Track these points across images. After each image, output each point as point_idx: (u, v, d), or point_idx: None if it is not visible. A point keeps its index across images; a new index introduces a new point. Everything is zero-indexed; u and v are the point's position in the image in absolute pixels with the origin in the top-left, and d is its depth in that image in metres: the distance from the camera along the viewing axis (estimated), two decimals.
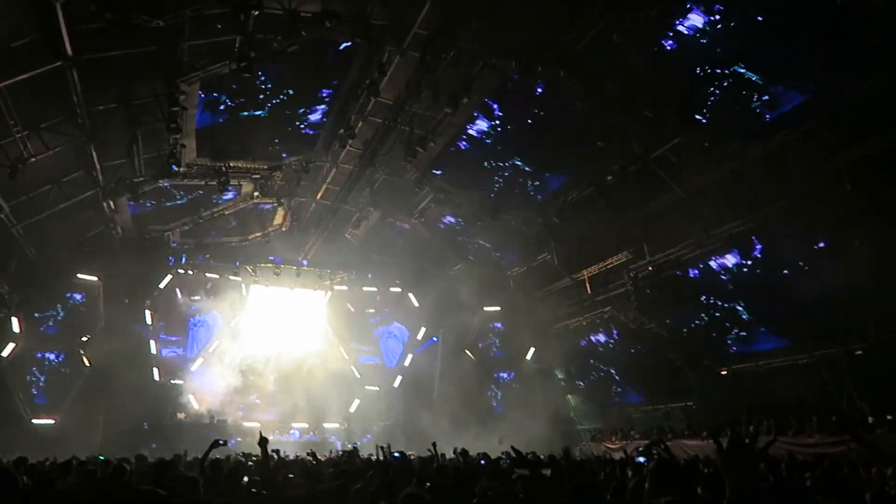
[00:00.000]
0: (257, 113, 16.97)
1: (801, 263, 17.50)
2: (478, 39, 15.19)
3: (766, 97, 14.80)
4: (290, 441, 25.37)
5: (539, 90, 17.51)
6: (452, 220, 25.53)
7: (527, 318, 28.74)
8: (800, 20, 13.07)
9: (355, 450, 10.37)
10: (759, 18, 13.44)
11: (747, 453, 3.43)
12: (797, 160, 15.73)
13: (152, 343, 25.80)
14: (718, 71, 14.94)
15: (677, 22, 14.19)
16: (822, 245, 16.90)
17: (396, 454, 10.28)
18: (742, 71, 14.62)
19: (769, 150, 15.99)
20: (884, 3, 11.63)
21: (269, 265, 27.10)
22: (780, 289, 18.46)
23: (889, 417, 14.97)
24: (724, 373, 21.66)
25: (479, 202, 22.83)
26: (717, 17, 13.75)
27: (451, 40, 14.83)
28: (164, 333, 26.87)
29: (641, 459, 14.56)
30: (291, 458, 14.18)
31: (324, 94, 17.67)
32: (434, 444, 12.39)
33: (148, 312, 25.72)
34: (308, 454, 11.85)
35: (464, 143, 20.15)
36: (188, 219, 22.55)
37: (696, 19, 14.10)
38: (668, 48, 15.07)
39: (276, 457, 12.68)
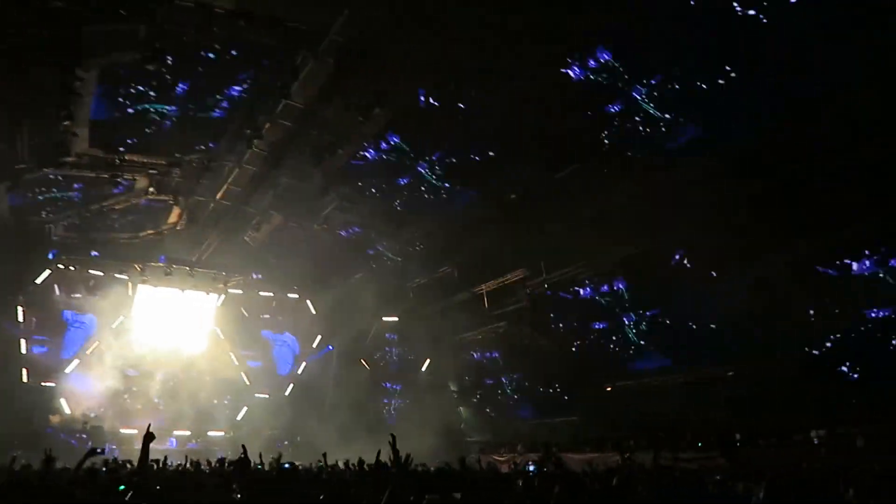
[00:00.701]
0: (159, 107, 16.21)
1: (685, 289, 18.77)
2: (395, 52, 15.33)
3: (664, 129, 15.81)
4: (168, 449, 24.14)
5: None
6: (357, 229, 25.42)
7: (424, 329, 28.96)
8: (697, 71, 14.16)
9: (245, 458, 9.97)
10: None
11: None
12: (690, 192, 16.91)
13: (23, 342, 23.89)
14: (619, 103, 15.86)
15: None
16: (707, 274, 18.18)
17: (286, 465, 10.08)
18: (643, 104, 15.61)
19: (664, 181, 17.10)
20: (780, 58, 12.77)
21: (160, 265, 25.78)
22: (665, 312, 19.72)
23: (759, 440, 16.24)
24: (608, 389, 22.78)
25: (385, 213, 22.90)
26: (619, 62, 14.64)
27: (367, 50, 14.87)
28: (37, 332, 24.91)
29: (531, 468, 15.07)
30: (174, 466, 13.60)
31: (232, 93, 17.15)
32: (324, 455, 12.29)
33: (20, 309, 23.81)
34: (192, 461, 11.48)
35: (373, 152, 20.15)
36: (73, 212, 21.10)
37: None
38: (574, 76, 15.81)
39: (155, 466, 12.17)
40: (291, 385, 30.06)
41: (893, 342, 14.75)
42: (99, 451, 7.74)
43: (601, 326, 21.92)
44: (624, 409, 22.32)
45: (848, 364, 15.51)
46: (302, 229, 24.92)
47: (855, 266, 14.93)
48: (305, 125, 17.88)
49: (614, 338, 21.93)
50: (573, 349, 23.33)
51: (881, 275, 14.53)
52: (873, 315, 15.04)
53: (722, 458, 15.66)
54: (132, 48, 12.44)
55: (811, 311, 15.95)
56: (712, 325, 18.49)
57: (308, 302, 30.36)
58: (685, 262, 18.25)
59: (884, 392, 14.28)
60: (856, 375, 15.43)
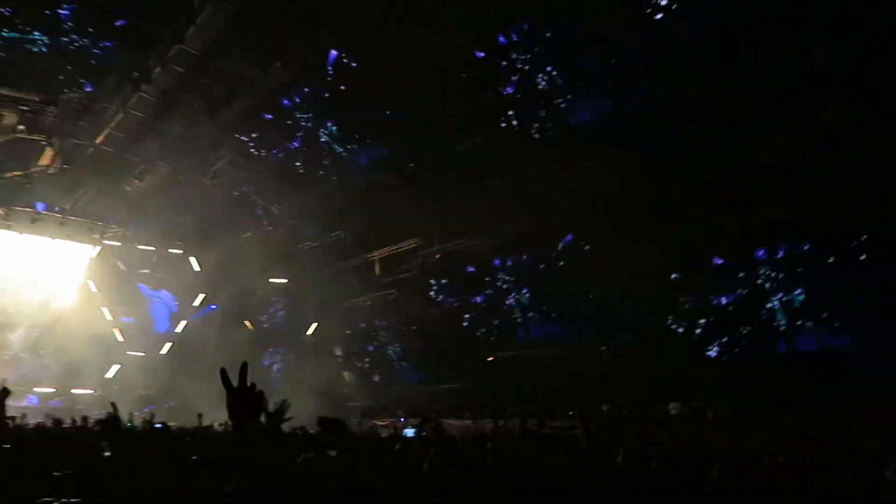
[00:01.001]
0: (35, 36, 14.78)
1: (573, 265, 19.69)
2: (302, 5, 14.87)
3: (563, 109, 16.38)
4: (27, 406, 22.65)
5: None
6: (250, 185, 24.60)
7: (314, 293, 28.64)
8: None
9: (114, 416, 9.53)
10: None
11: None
12: (581, 174, 17.66)
13: None
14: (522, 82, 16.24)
15: None
16: (590, 249, 19.19)
17: (158, 426, 9.75)
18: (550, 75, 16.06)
19: (557, 159, 17.74)
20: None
21: (27, 210, 23.72)
22: (553, 287, 20.60)
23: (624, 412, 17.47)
24: (490, 360, 23.62)
25: (280, 172, 22.30)
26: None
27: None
28: None
29: (409, 432, 15.45)
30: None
31: (118, 25, 15.93)
32: (200, 416, 12.02)
33: None
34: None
35: (271, 107, 19.55)
36: None
37: None
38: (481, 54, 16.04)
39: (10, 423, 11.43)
40: (169, 344, 28.87)
41: (746, 327, 16.39)
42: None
43: (488, 298, 22.56)
44: (504, 379, 23.31)
45: (710, 343, 17.02)
46: (190, 182, 23.80)
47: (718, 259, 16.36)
48: (200, 74, 17.00)
49: (500, 310, 22.71)
50: (460, 319, 23.91)
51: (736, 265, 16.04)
52: (730, 300, 16.54)
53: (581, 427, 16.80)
54: None
55: (680, 294, 17.25)
56: (592, 303, 19.59)
57: (192, 258, 29.10)
58: (573, 241, 19.15)
59: (741, 369, 15.87)
60: (714, 353, 16.95)
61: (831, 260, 14.65)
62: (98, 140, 20.90)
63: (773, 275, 15.74)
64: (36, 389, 25.32)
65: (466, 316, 23.77)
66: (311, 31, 15.27)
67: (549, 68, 16.14)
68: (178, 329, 29.40)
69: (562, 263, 19.83)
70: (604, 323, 19.51)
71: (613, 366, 18.97)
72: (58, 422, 12.98)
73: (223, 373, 2.48)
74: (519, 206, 19.92)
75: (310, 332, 29.96)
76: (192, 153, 21.68)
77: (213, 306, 29.57)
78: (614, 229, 17.48)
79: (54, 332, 25.72)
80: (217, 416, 16.51)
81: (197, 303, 29.68)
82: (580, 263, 19.24)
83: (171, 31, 15.14)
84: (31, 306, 25.39)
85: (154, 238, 28.02)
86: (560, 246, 19.54)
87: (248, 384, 2.54)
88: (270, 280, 29.24)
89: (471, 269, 22.68)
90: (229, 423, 2.57)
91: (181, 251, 28.79)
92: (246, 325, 29.48)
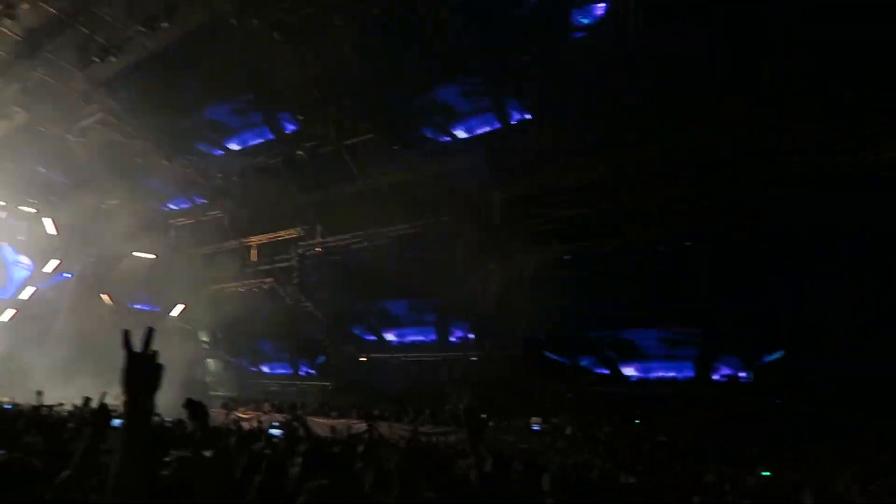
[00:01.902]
0: None
1: (447, 274, 19.61)
2: None
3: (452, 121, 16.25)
4: None
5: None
6: (121, 150, 22.63)
7: (183, 272, 26.95)
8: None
9: None
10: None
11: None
12: (462, 184, 17.69)
13: None
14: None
15: None
16: (461, 260, 19.17)
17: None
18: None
19: (441, 170, 17.64)
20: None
21: None
22: (425, 292, 20.42)
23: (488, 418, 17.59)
24: (363, 359, 23.18)
25: (157, 139, 20.70)
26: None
27: None
28: None
29: (275, 432, 14.69)
30: None
31: None
32: (39, 393, 10.98)
33: None
34: None
35: (152, 71, 18.05)
36: None
37: None
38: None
39: None
40: (12, 311, 26.09)
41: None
42: None
43: (366, 298, 22.06)
44: (375, 381, 22.96)
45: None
46: (52, 136, 21.59)
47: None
48: (75, 18, 15.39)
49: (377, 310, 22.29)
50: (335, 315, 23.26)
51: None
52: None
53: (460, 432, 16.79)
54: None
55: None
56: (466, 310, 19.67)
57: (47, 220, 26.49)
58: (451, 248, 19.07)
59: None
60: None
61: None
62: None
63: None
64: None
65: (340, 311, 23.11)
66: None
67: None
68: (24, 296, 26.66)
69: (440, 270, 19.70)
70: (469, 332, 19.75)
71: (482, 373, 19.14)
72: None
73: (125, 334, 2.06)
74: (407, 207, 19.68)
75: (174, 313, 28.20)
76: (57, 103, 19.66)
77: (69, 275, 27.06)
78: (489, 241, 17.68)
79: None
80: (60, 392, 15.00)
81: (49, 269, 27.04)
82: (453, 274, 19.22)
83: None
84: None
85: (4, 192, 25.22)
86: (439, 254, 19.39)
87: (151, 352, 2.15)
88: (135, 254, 27.21)
89: (352, 265, 22.05)
90: (121, 395, 2.09)
91: (34, 210, 26.13)
92: (103, 299, 27.23)
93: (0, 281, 26.61)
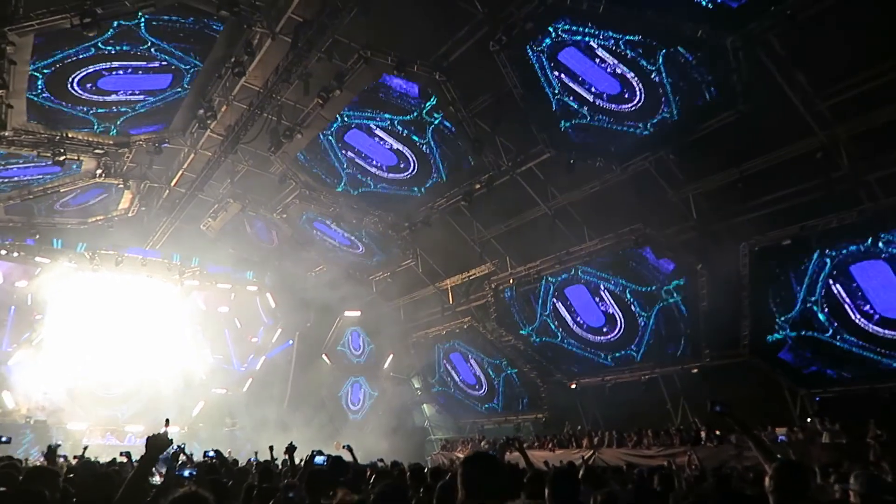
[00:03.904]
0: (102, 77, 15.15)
1: (650, 284, 18.53)
2: (355, 32, 14.69)
3: (628, 125, 15.45)
4: (129, 446, 23.11)
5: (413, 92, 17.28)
6: (319, 222, 24.67)
7: (387, 324, 28.39)
8: (656, 54, 13.77)
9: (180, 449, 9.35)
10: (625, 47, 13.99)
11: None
12: (652, 186, 16.72)
13: None
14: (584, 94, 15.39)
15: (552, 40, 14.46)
16: (669, 268, 18.00)
17: (211, 453, 9.51)
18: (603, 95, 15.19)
19: (626, 175, 16.81)
20: (742, 44, 12.44)
21: (111, 253, 24.63)
22: (629, 308, 19.43)
23: (717, 433, 16.05)
24: (573, 386, 22.49)
25: (346, 203, 22.19)
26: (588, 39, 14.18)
27: (326, 29, 14.18)
28: None
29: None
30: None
31: (186, 67, 16.17)
32: (271, 448, 11.70)
33: None
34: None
35: (332, 138, 19.47)
36: (16, 194, 19.88)
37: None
38: (540, 69, 15.34)
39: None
40: (250, 381, 29.12)
41: None
42: (4, 440, 6.99)
43: (566, 321, 21.48)
44: (590, 406, 22.15)
45: None
46: (259, 218, 24.06)
47: None
48: (262, 108, 17.08)
49: (576, 332, 21.58)
50: (537, 345, 22.90)
51: None
52: None
53: (685, 454, 15.55)
54: (71, 12, 11.51)
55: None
56: (677, 321, 18.38)
57: (268, 295, 29.46)
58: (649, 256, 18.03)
59: None
60: None
61: None
62: (173, 183, 21.45)
63: None
64: (128, 428, 25.91)
65: (541, 341, 22.69)
66: (362, 56, 15.06)
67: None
68: (258, 366, 29.66)
69: (639, 283, 18.68)
70: (684, 344, 18.36)
71: (700, 388, 17.62)
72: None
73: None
74: (590, 226, 19.04)
75: (386, 365, 29.67)
76: (261, 189, 21.94)
77: (290, 342, 29.70)
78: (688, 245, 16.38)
79: (140, 372, 26.35)
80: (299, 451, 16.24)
81: (274, 339, 29.93)
82: (658, 283, 18.10)
83: (232, 65, 15.23)
84: (118, 346, 26.05)
85: (230, 276, 28.54)
86: (635, 265, 18.41)
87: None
88: (345, 313, 29.20)
89: (547, 293, 21.67)
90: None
91: (256, 287, 29.19)
92: (323, 359, 29.44)
93: (245, 356, 29.91)
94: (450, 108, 16.87)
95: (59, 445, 11.63)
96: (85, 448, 12.51)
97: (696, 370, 18.39)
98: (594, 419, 22.11)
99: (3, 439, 7.00)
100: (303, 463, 6.81)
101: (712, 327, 17.30)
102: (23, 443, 22.09)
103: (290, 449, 7.35)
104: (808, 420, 15.47)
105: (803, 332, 15.53)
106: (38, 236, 23.00)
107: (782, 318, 15.84)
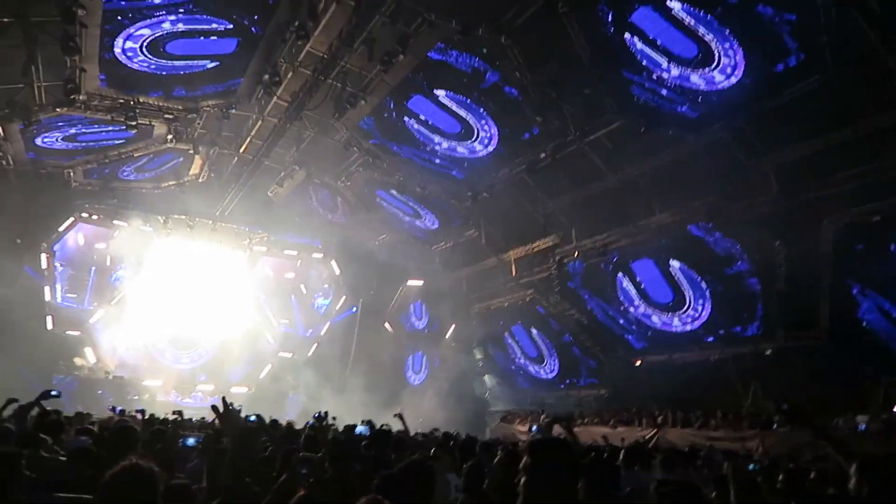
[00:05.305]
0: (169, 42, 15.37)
1: (722, 260, 17.63)
2: None
3: (703, 90, 14.54)
4: (191, 406, 24.04)
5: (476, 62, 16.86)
6: (382, 190, 24.66)
7: (449, 294, 28.32)
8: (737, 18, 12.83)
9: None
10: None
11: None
12: (727, 157, 15.77)
13: (47, 290, 23.82)
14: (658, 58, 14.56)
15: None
16: (742, 244, 17.06)
17: (252, 418, 9.49)
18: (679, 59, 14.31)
19: (701, 145, 15.92)
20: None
21: (183, 217, 25.39)
22: (699, 285, 18.60)
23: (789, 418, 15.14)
24: (637, 363, 21.86)
25: (409, 171, 22.04)
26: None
27: None
28: (62, 281, 24.85)
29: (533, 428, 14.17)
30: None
31: (250, 28, 16.19)
32: (319, 415, 11.68)
33: (44, 256, 23.69)
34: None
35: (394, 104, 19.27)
36: (92, 157, 20.67)
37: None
38: (611, 32, 14.62)
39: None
40: (315, 346, 29.71)
41: None
42: (55, 393, 7.17)
43: (633, 298, 20.81)
44: (654, 384, 21.46)
45: None
46: (325, 185, 24.21)
47: None
48: (327, 74, 17.00)
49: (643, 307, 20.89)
50: (602, 320, 22.34)
51: None
52: None
53: (755, 438, 14.82)
54: None
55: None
56: (750, 299, 17.42)
57: (333, 262, 29.83)
58: (722, 230, 17.09)
59: None
60: None
61: None
62: (242, 150, 21.76)
63: None
64: (198, 388, 26.91)
65: (606, 316, 22.09)
66: (427, 19, 14.68)
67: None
68: (323, 332, 30.20)
69: (709, 260, 17.75)
70: (757, 324, 17.33)
71: (773, 370, 16.65)
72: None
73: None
74: (660, 198, 18.22)
75: (448, 335, 29.66)
76: (326, 156, 22.01)
77: (354, 309, 30.08)
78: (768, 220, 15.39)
79: (211, 334, 27.27)
80: (358, 416, 16.38)
81: (338, 306, 30.37)
82: (730, 259, 17.18)
83: (296, 29, 15.14)
84: (190, 309, 26.97)
85: (296, 243, 29.01)
86: (709, 240, 17.51)
87: None
88: (408, 282, 29.30)
89: (613, 267, 21.02)
90: None
91: (321, 255, 29.59)
92: (386, 328, 29.71)
93: (310, 322, 30.52)
94: (515, 74, 16.35)
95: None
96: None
97: (769, 351, 17.46)
98: (658, 397, 21.43)
99: (54, 393, 7.16)
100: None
101: (788, 307, 16.32)
102: (103, 397, 23.28)
103: (320, 417, 7.22)
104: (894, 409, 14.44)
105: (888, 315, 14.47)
106: (115, 200, 23.92)
107: (866, 300, 14.78)
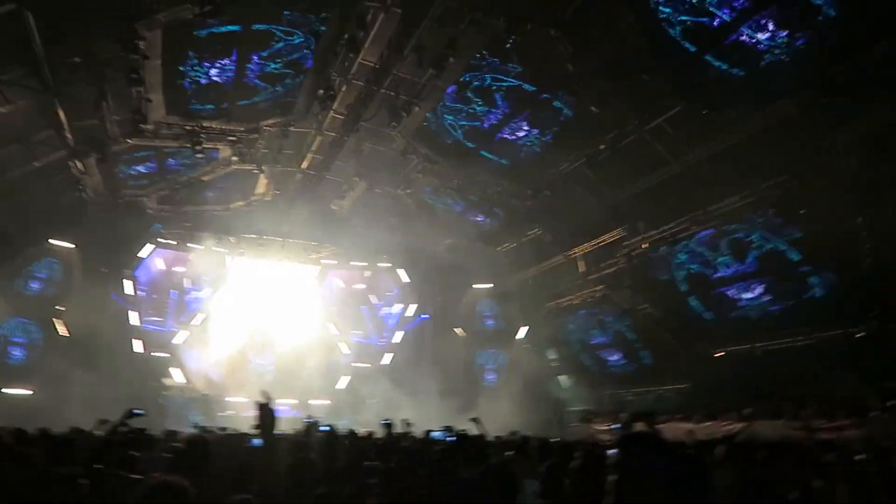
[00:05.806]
0: (226, 68, 15.89)
1: (800, 242, 16.73)
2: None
3: (766, 59, 13.80)
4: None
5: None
6: (442, 194, 24.69)
7: (518, 295, 28.10)
8: None
9: (314, 423, 9.70)
10: None
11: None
12: (796, 133, 14.91)
13: (132, 314, 25.04)
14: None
15: None
16: (822, 223, 16.11)
17: (324, 428, 9.45)
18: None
19: (767, 123, 15.13)
20: None
21: (253, 237, 26.20)
22: (777, 269, 17.71)
23: (889, 404, 14.19)
24: (718, 355, 21.00)
25: (467, 173, 21.98)
26: None
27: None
28: (146, 305, 26.07)
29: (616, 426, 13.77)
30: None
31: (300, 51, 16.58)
32: (388, 422, 11.74)
33: (128, 282, 24.93)
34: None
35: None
36: (164, 184, 21.65)
37: None
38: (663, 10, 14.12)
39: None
40: (390, 355, 29.99)
41: None
42: (138, 412, 7.41)
43: (707, 286, 20.02)
44: (739, 376, 20.52)
45: None
46: (386, 195, 24.46)
47: None
48: (380, 84, 17.20)
49: (723, 299, 20.03)
50: (677, 312, 21.58)
51: None
52: None
53: (853, 427, 13.92)
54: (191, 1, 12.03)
55: None
56: (836, 281, 16.41)
57: (400, 271, 30.10)
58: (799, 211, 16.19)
59: None
60: None
61: None
62: (304, 165, 22.27)
63: None
64: (281, 401, 27.60)
65: (681, 308, 21.31)
66: (473, 19, 14.61)
67: None
68: (396, 340, 30.48)
69: (786, 242, 16.83)
70: (846, 306, 16.24)
71: (867, 355, 15.57)
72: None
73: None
74: (727, 182, 17.43)
75: (520, 335, 29.40)
76: (384, 166, 22.24)
77: (424, 315, 30.23)
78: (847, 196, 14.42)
79: (290, 349, 27.94)
80: (435, 422, 16.42)
81: (409, 313, 30.58)
82: (810, 240, 16.20)
83: (346, 41, 15.37)
84: (268, 325, 27.77)
85: (363, 253, 29.43)
86: (783, 222, 16.61)
87: None
88: (475, 286, 29.22)
89: (683, 256, 20.30)
90: None
91: (388, 264, 29.90)
92: (456, 333, 29.69)
93: (382, 331, 30.86)
94: (567, 66, 16.04)
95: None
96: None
97: (860, 335, 16.40)
98: (743, 389, 20.48)
99: (138, 411, 7.42)
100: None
101: (878, 287, 15.29)
102: (192, 415, 24.24)
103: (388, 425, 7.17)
104: None
105: None
106: (188, 223, 24.94)
107: None
